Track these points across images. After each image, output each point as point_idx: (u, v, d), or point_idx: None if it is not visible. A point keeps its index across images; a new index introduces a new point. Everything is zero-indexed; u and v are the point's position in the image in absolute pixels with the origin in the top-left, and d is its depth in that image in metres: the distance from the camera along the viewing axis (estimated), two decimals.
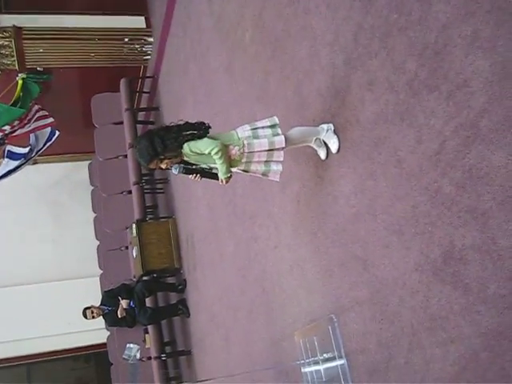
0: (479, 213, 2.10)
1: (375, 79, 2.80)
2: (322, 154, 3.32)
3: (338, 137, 3.15)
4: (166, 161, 3.04)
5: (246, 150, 3.04)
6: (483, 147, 2.07)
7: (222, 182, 3.12)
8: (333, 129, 3.19)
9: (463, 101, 2.17)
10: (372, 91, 2.83)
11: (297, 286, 3.78)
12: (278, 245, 4.10)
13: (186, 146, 3.01)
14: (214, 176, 3.15)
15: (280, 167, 3.14)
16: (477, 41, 2.09)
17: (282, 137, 3.07)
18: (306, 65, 3.57)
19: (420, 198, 2.46)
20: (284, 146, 3.07)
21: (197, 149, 3.00)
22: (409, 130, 2.53)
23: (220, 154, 2.97)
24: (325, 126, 3.22)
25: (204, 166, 3.17)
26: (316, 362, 3.42)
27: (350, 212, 3.05)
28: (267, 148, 3.05)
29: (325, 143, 3.28)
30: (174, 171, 3.08)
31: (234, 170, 3.15)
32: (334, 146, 3.18)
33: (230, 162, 3.05)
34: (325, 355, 3.31)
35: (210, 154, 2.97)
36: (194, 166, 3.17)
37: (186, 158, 3.10)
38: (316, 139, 3.30)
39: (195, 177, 3.14)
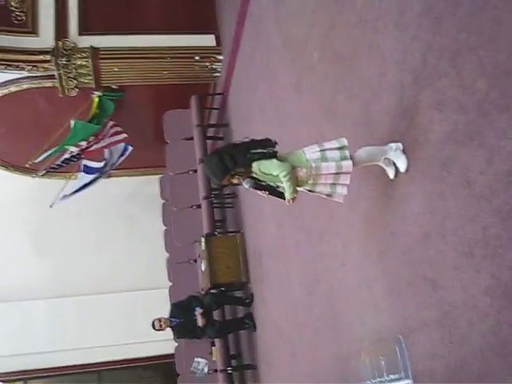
0: None
1: (444, 99, 2.77)
2: (391, 173, 3.31)
3: (406, 156, 3.14)
4: (236, 176, 3.13)
5: (314, 172, 3.08)
6: None
7: (288, 201, 3.18)
8: (401, 148, 3.18)
9: None
10: (441, 111, 2.80)
11: (364, 304, 3.76)
12: (345, 263, 4.09)
13: (255, 164, 3.08)
14: (281, 195, 3.21)
15: (345, 191, 3.16)
16: None
17: (350, 162, 3.09)
18: (374, 84, 3.58)
19: (491, 220, 2.41)
20: (351, 170, 3.09)
21: (266, 169, 3.07)
22: (479, 150, 2.50)
23: (288, 177, 3.04)
24: (393, 145, 3.20)
25: (272, 183, 3.23)
26: (382, 383, 3.39)
27: (419, 232, 3.02)
28: (334, 172, 3.07)
29: (393, 162, 3.27)
30: (246, 185, 3.17)
31: (299, 189, 3.19)
32: (402, 165, 3.16)
33: (296, 183, 3.10)
34: (391, 376, 3.27)
35: (277, 176, 3.05)
36: (263, 183, 3.23)
37: (254, 175, 3.17)
38: (385, 158, 3.29)
39: (263, 193, 3.24)
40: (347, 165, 3.08)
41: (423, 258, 2.98)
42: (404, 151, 3.16)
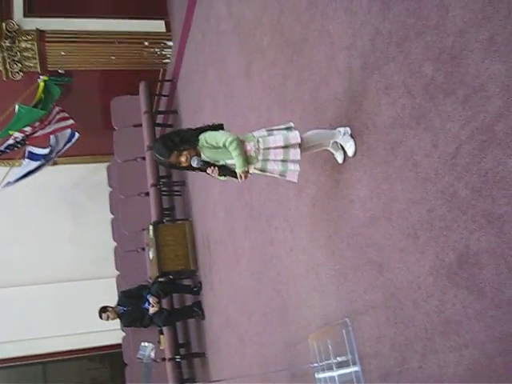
0: (495, 217, 2.10)
1: (392, 83, 2.80)
2: (339, 157, 3.33)
3: (354, 140, 3.16)
4: (184, 153, 3.05)
5: (262, 146, 3.04)
6: (499, 151, 2.07)
7: (240, 177, 3.08)
8: (349, 132, 3.20)
9: (479, 105, 2.17)
10: (389, 95, 2.83)
11: (311, 288, 3.79)
12: (293, 248, 4.11)
13: (202, 136, 3.05)
14: (232, 173, 3.11)
15: (297, 167, 3.11)
16: (493, 45, 2.10)
17: (297, 132, 3.07)
18: (324, 69, 3.59)
19: (435, 202, 2.46)
20: (299, 141, 3.05)
21: (212, 139, 3.02)
22: (425, 134, 2.53)
23: (235, 144, 2.98)
24: (341, 130, 3.22)
25: (221, 162, 3.14)
26: (329, 366, 3.42)
27: (366, 216, 3.05)
28: (282, 144, 3.03)
29: (342, 147, 3.29)
30: (194, 163, 3.06)
31: (251, 170, 3.13)
32: (350, 149, 3.19)
33: (246, 158, 3.04)
34: (338, 359, 3.31)
35: (225, 146, 2.99)
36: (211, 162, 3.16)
37: (202, 156, 3.10)
38: (333, 143, 3.31)
39: (213, 170, 3.09)
40: (294, 135, 3.06)
41: (370, 241, 3.02)
42: (352, 135, 3.19)
